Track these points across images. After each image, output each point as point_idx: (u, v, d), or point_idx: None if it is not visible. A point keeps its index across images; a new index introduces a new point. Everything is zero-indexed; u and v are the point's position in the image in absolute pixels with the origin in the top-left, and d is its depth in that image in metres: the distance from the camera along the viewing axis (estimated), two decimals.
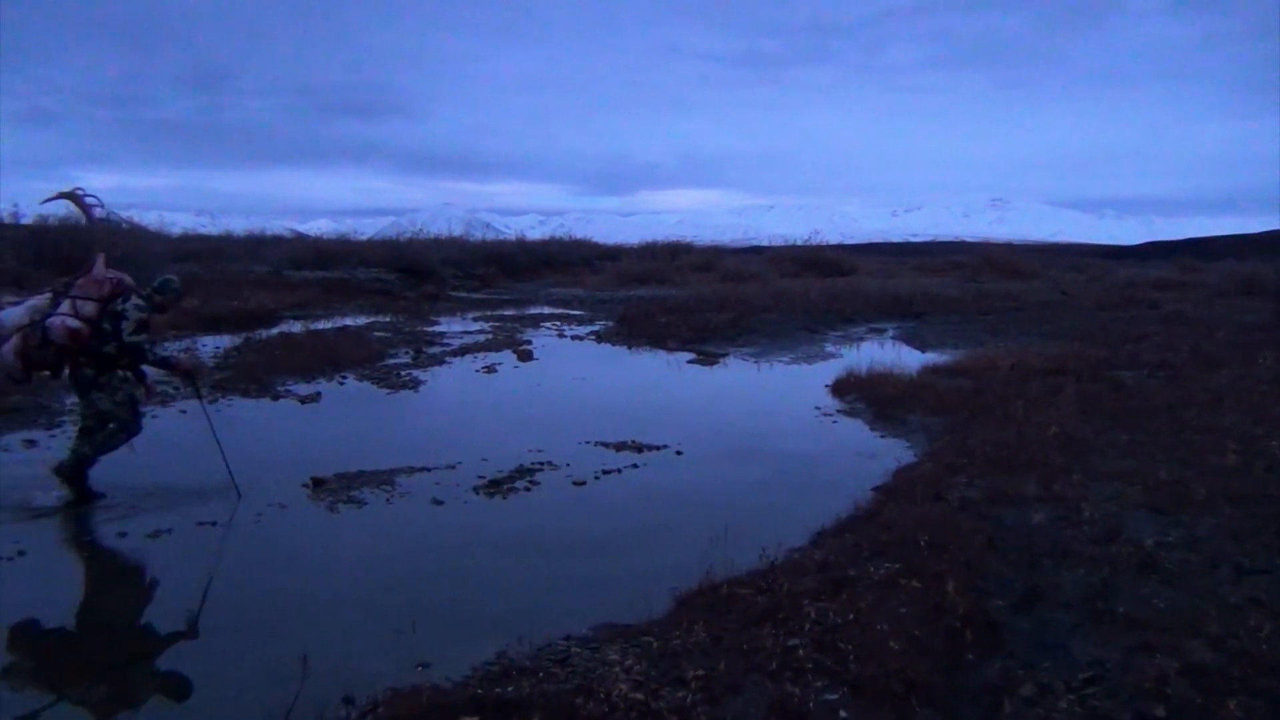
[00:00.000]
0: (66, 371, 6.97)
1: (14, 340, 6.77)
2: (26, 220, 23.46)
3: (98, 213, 6.77)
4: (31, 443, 8.44)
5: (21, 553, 5.70)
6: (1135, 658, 4.03)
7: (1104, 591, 4.74)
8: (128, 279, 7.16)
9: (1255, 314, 18.91)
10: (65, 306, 6.78)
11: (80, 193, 6.55)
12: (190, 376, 7.55)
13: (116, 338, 6.81)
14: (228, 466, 7.15)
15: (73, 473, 6.80)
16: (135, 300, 6.93)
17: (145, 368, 7.20)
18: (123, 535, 6.15)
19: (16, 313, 6.91)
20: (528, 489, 7.48)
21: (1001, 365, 12.24)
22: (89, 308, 6.81)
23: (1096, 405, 9.56)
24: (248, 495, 7.02)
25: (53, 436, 8.69)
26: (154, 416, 9.63)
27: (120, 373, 6.98)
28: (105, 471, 7.00)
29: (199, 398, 7.74)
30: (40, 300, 6.99)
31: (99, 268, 7.05)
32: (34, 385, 7.16)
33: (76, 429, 7.10)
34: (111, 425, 6.91)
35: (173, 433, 8.94)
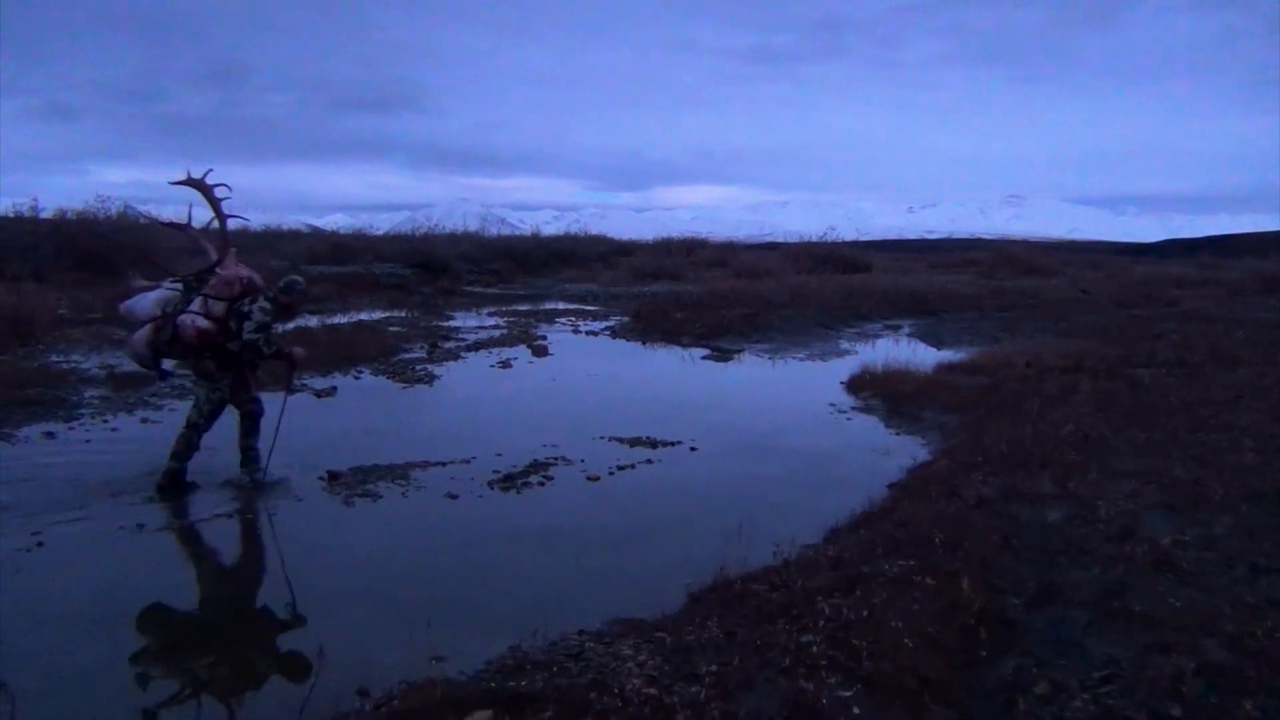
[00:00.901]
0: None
1: (145, 331, 6.97)
2: (46, 214, 23.64)
3: (225, 204, 6.89)
4: (50, 435, 8.49)
5: (40, 544, 5.76)
6: (1151, 656, 4.01)
7: (1120, 590, 4.72)
8: (258, 278, 7.26)
9: (1275, 312, 18.77)
10: (197, 304, 6.93)
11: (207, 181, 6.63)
12: (295, 367, 7.67)
13: (239, 336, 6.96)
14: (269, 455, 7.29)
15: (169, 484, 6.94)
16: (262, 302, 7.03)
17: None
18: (141, 527, 6.19)
19: (148, 302, 7.07)
20: (542, 484, 7.49)
21: (1018, 363, 12.19)
22: (219, 308, 6.95)
23: (1113, 403, 9.51)
24: (263, 489, 7.07)
25: (70, 429, 8.75)
26: (171, 410, 9.71)
27: (230, 377, 7.15)
28: (133, 461, 7.05)
29: (289, 386, 7.80)
30: (170, 293, 7.11)
31: (232, 266, 7.16)
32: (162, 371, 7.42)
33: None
34: (190, 412, 7.14)
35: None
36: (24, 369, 10.95)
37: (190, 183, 7.24)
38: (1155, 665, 3.92)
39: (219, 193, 7.24)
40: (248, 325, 6.94)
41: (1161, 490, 6.41)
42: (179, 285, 7.17)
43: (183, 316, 6.88)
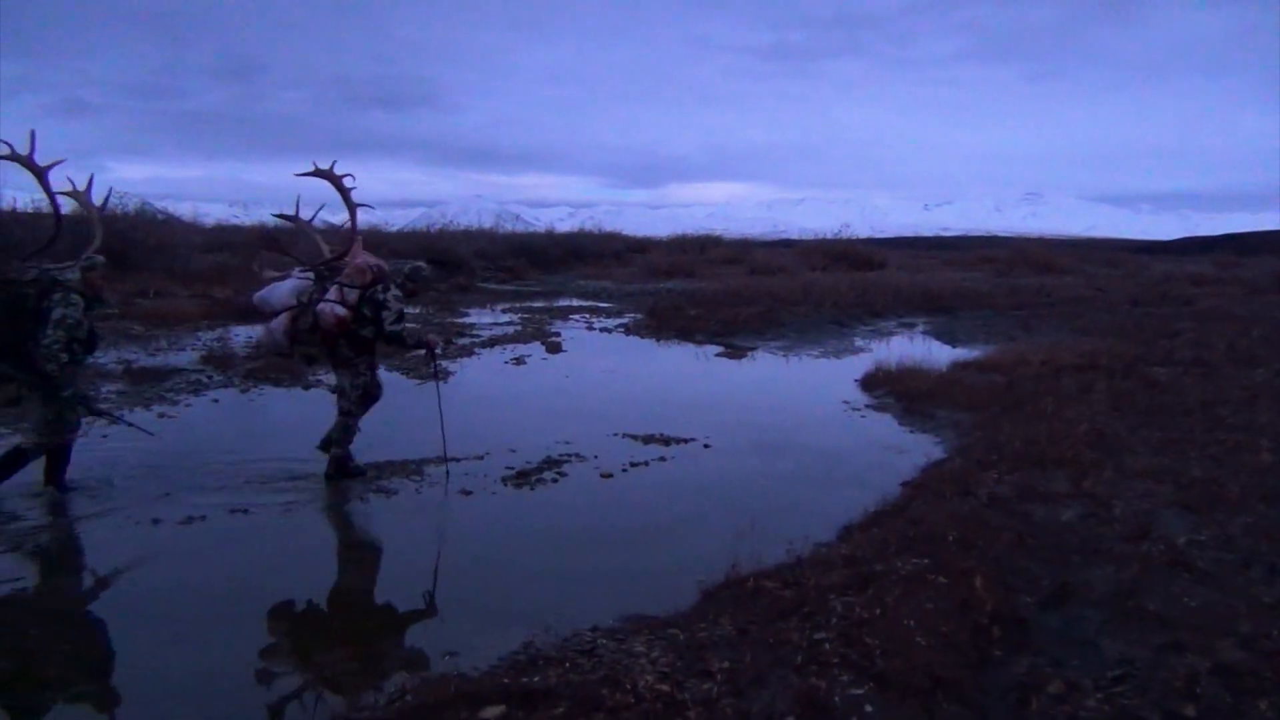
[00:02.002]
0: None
1: (283, 320, 7.22)
2: (62, 210, 23.79)
3: (356, 195, 7.12)
4: None
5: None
6: (1165, 656, 4.00)
7: (1134, 589, 4.70)
8: (385, 266, 7.44)
9: None
10: (333, 293, 7.12)
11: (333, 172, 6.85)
12: (434, 353, 7.87)
13: (376, 325, 7.15)
14: (444, 442, 7.64)
15: (337, 471, 7.23)
16: (395, 291, 7.26)
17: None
18: (154, 522, 6.23)
19: (282, 292, 7.32)
20: (555, 480, 7.51)
21: (1033, 361, 12.13)
22: (353, 295, 7.14)
23: (1129, 402, 9.46)
24: (274, 484, 7.10)
25: (87, 424, 8.79)
26: (187, 405, 9.76)
27: (366, 360, 7.38)
28: (156, 448, 7.07)
29: (435, 375, 8.14)
30: (304, 283, 7.32)
31: (362, 255, 7.32)
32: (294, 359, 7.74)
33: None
34: (340, 402, 7.31)
35: (206, 419, 9.05)
36: None
37: (320, 173, 7.38)
38: (1170, 665, 3.90)
39: (346, 183, 7.40)
40: (387, 316, 7.15)
41: (1177, 490, 6.37)
42: (309, 275, 7.38)
43: (322, 305, 7.07)
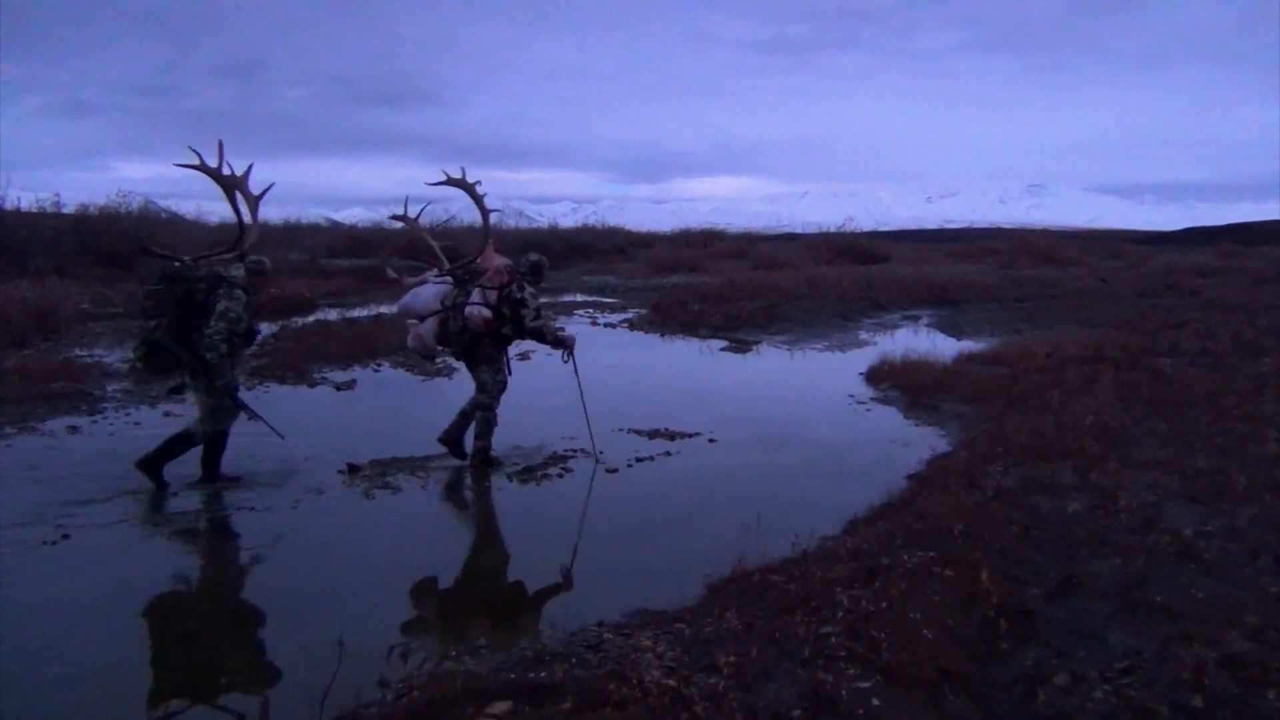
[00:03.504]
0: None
1: (431, 324, 7.66)
2: (68, 210, 23.83)
3: (490, 201, 7.51)
4: (74, 428, 8.57)
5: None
6: (1172, 648, 3.99)
7: (1141, 581, 4.69)
8: (515, 266, 7.76)
9: None
10: (476, 295, 7.48)
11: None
12: (570, 349, 7.99)
13: (516, 322, 7.53)
14: (589, 430, 8.06)
15: (481, 462, 7.58)
16: (530, 288, 7.62)
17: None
18: (163, 519, 6.24)
19: (426, 297, 7.75)
20: (560, 476, 7.52)
21: (1038, 353, 12.11)
22: (493, 295, 7.51)
23: (1135, 393, 9.44)
24: (283, 481, 7.12)
25: (94, 422, 8.83)
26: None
27: (504, 355, 7.82)
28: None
29: (575, 368, 8.10)
30: (444, 287, 7.73)
31: (496, 258, 7.69)
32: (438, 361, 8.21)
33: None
34: (481, 396, 7.65)
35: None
36: (48, 363, 11.06)
37: (453, 182, 7.77)
38: (1177, 656, 3.89)
39: (480, 190, 7.79)
40: (527, 314, 7.52)
41: (1184, 481, 6.37)
42: (446, 279, 7.76)
43: (469, 308, 7.43)
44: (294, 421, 9.03)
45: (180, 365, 6.86)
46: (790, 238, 49.62)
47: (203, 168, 6.91)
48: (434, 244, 8.02)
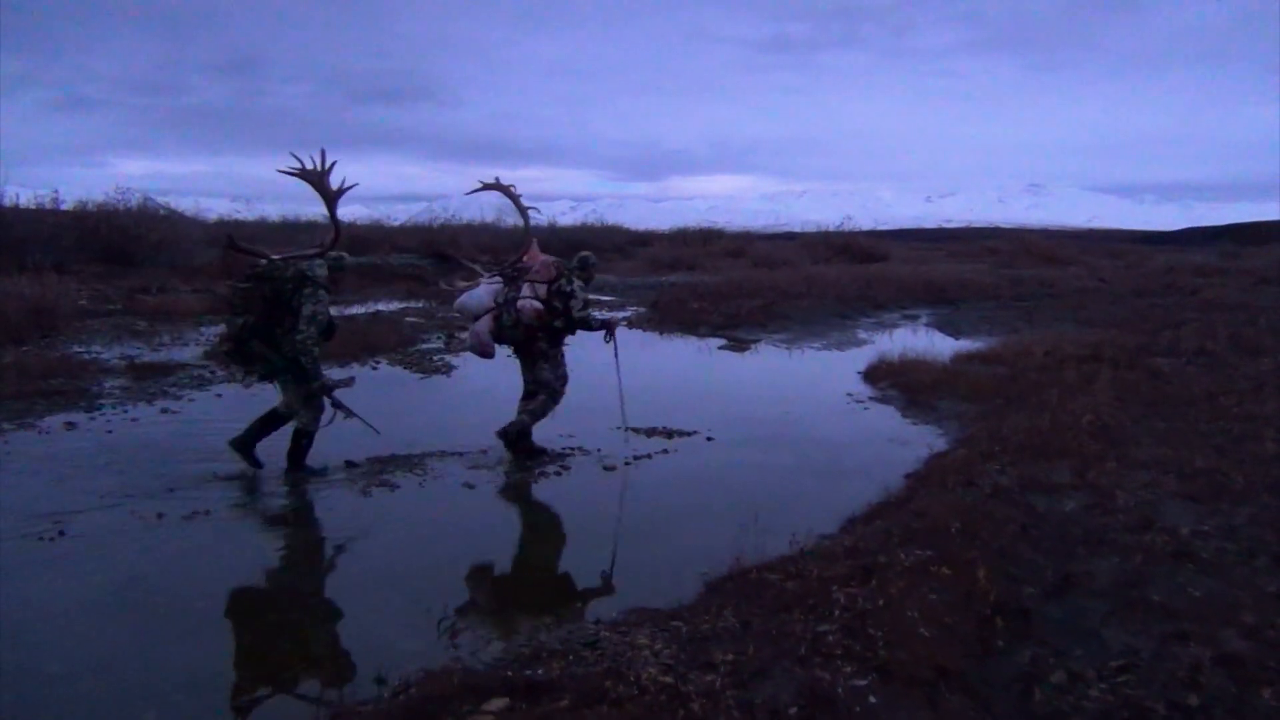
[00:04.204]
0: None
1: (486, 321, 7.82)
2: (67, 206, 23.81)
3: (531, 211, 7.86)
4: (72, 425, 8.56)
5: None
6: (1169, 646, 3.99)
7: (1138, 580, 4.69)
8: (560, 261, 8.03)
9: None
10: (526, 290, 7.71)
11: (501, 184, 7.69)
12: (612, 330, 8.16)
13: (565, 315, 7.74)
14: (623, 413, 8.31)
15: (517, 436, 7.78)
16: (577, 281, 7.84)
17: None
18: (158, 517, 6.23)
19: (479, 297, 7.94)
20: (559, 474, 7.51)
21: (1036, 352, 12.12)
22: (542, 290, 7.72)
23: (1133, 392, 9.45)
24: (281, 479, 7.11)
25: (91, 419, 8.81)
26: (191, 400, 9.78)
27: (559, 351, 8.02)
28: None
29: (615, 352, 8.29)
30: (496, 286, 7.91)
31: (541, 254, 7.97)
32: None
33: (521, 396, 8.06)
34: (542, 395, 7.86)
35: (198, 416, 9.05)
36: (46, 359, 11.05)
37: (492, 186, 8.12)
38: (1173, 655, 3.90)
39: (515, 192, 8.09)
40: (575, 304, 7.73)
41: (1181, 480, 6.37)
42: (497, 278, 7.97)
43: (522, 302, 7.65)
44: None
45: (265, 362, 7.07)
46: (789, 236, 49.63)
47: (301, 173, 7.11)
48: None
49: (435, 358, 12.89)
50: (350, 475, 7.26)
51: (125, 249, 21.73)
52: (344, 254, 7.49)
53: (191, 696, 3.98)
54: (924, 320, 19.13)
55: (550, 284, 7.74)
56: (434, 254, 27.02)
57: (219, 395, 10.13)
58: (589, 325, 7.91)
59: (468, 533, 6.23)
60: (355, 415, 7.44)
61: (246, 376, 7.47)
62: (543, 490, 7.13)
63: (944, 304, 21.32)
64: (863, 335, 16.81)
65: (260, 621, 4.82)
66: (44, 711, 3.85)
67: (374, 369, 12.08)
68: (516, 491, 7.06)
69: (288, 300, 6.97)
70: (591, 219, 47.09)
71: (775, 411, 10.00)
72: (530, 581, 5.41)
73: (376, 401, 10.08)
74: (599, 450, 8.11)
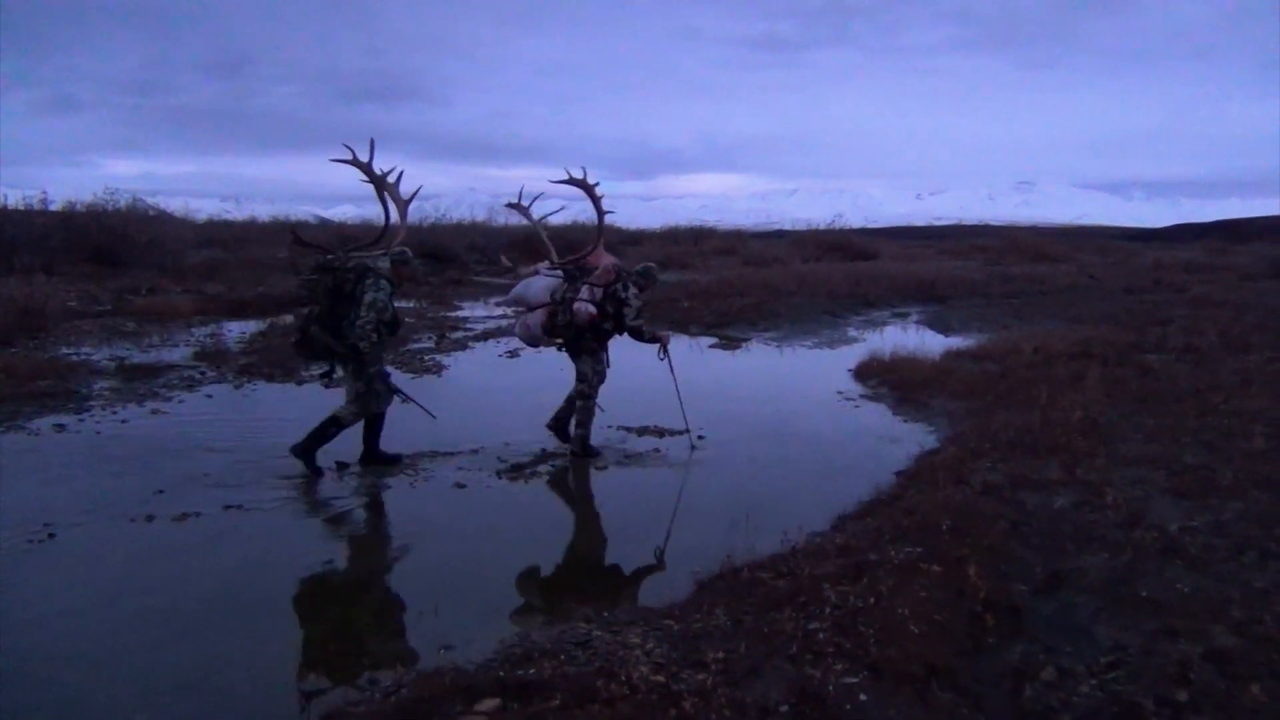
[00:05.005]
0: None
1: (540, 315, 8.03)
2: (55, 207, 23.72)
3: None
4: (61, 427, 8.53)
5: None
6: (1158, 642, 4.01)
7: (1127, 576, 4.71)
8: (622, 265, 8.23)
9: None
10: (584, 292, 7.87)
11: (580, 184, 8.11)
12: (665, 344, 8.39)
13: (617, 319, 7.96)
14: (684, 416, 8.44)
15: (583, 449, 7.94)
16: (634, 289, 8.03)
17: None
18: (148, 519, 6.21)
19: (537, 289, 8.12)
20: (550, 473, 7.51)
21: (1026, 349, 12.16)
22: (599, 293, 7.89)
23: (1122, 389, 9.48)
24: (270, 479, 7.10)
25: (81, 421, 8.78)
26: (181, 401, 9.74)
27: (605, 349, 8.18)
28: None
29: (670, 365, 8.47)
30: (556, 281, 8.09)
31: (603, 255, 8.18)
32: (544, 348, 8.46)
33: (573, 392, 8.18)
34: (581, 385, 8.01)
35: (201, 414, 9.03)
36: (34, 361, 11.01)
37: (575, 182, 8.22)
38: (1162, 651, 3.92)
39: (599, 190, 8.26)
40: (628, 312, 7.94)
41: (1170, 476, 6.40)
42: (557, 273, 8.14)
43: (577, 304, 7.80)
44: (281, 419, 9.03)
45: (331, 354, 7.26)
46: (779, 235, 49.70)
47: (355, 163, 7.31)
48: (544, 234, 8.59)
49: (426, 358, 12.87)
50: (341, 476, 7.25)
51: (114, 250, 21.66)
52: (406, 249, 7.63)
53: (182, 698, 3.97)
54: (914, 318, 19.16)
55: (606, 288, 7.91)
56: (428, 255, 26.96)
57: (209, 396, 10.10)
58: (640, 335, 8.10)
59: (458, 533, 6.22)
60: (414, 401, 7.72)
61: (315, 373, 7.68)
62: (534, 490, 7.12)
63: (934, 301, 21.37)
64: (853, 333, 16.83)
65: (250, 623, 4.80)
66: (34, 713, 3.84)
67: None
68: (507, 492, 7.05)
69: (350, 291, 7.17)
70: (583, 218, 47.06)
71: (766, 409, 10.01)
72: (520, 581, 5.40)
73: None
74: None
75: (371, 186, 7.46)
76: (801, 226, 51.09)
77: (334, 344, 7.17)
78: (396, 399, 7.59)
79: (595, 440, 8.13)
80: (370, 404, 7.41)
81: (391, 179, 7.52)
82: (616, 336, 8.17)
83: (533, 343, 8.27)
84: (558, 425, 8.23)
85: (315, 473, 7.22)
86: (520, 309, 8.31)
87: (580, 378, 8.03)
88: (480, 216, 35.36)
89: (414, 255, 7.89)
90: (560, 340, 8.14)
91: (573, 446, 7.97)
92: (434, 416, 7.77)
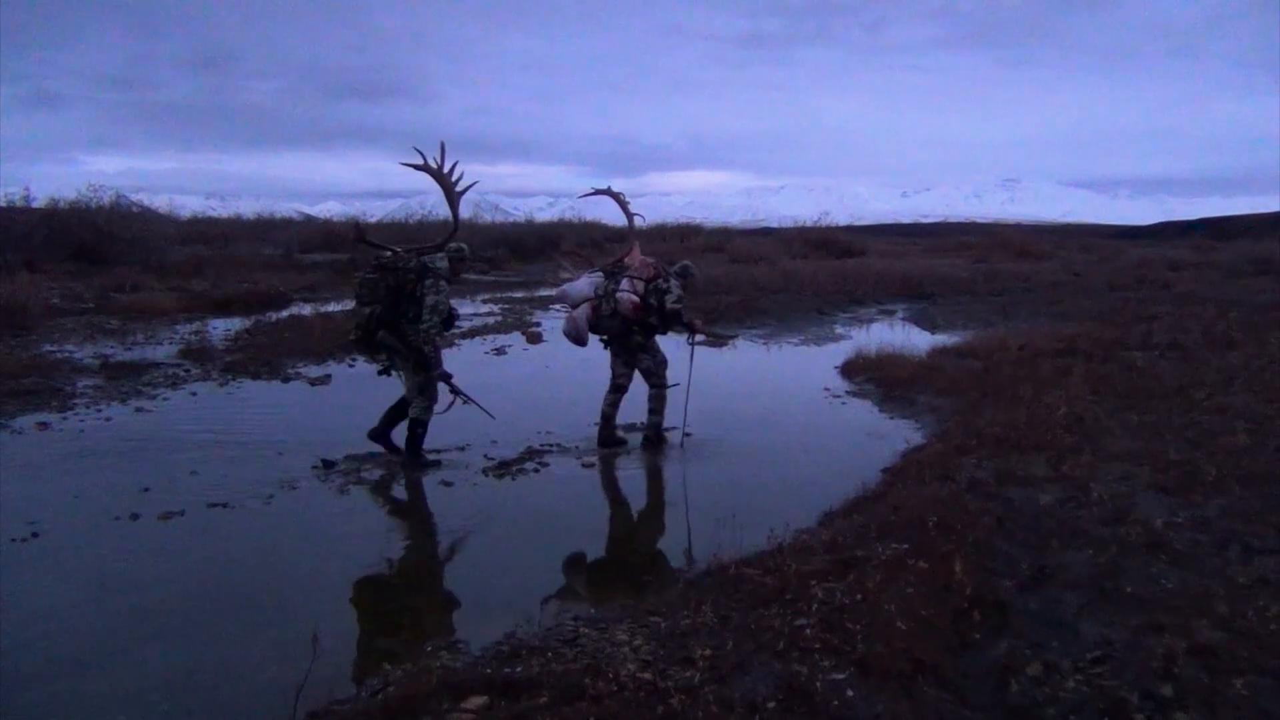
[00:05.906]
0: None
1: (586, 309, 8.27)
2: (38, 204, 23.57)
3: (638, 221, 8.33)
4: (44, 425, 8.48)
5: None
6: (1143, 637, 4.03)
7: (1112, 572, 4.73)
8: (660, 263, 8.52)
9: (1269, 294, 18.79)
10: (626, 285, 8.16)
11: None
12: (697, 330, 8.66)
13: (660, 310, 8.17)
14: (686, 409, 8.40)
15: (657, 436, 8.31)
16: (674, 280, 8.28)
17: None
18: (133, 517, 6.18)
19: (581, 286, 8.38)
20: (537, 471, 7.50)
21: (1011, 346, 12.20)
22: (640, 286, 8.17)
23: (1107, 386, 9.52)
24: (254, 476, 7.06)
25: (65, 419, 8.73)
26: (165, 399, 9.69)
27: (655, 343, 8.41)
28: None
29: (691, 351, 8.79)
30: (597, 278, 8.38)
31: (639, 255, 8.55)
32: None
33: (609, 389, 8.34)
34: (653, 379, 8.30)
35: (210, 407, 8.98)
36: (17, 359, 10.95)
37: (606, 192, 8.96)
38: (1148, 646, 3.93)
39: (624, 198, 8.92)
40: (669, 298, 8.14)
41: (1155, 472, 6.42)
42: (598, 273, 8.44)
43: (621, 294, 8.11)
44: (267, 416, 9.00)
45: (390, 350, 7.45)
46: (766, 232, 49.75)
47: (425, 168, 7.46)
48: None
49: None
50: (327, 473, 7.22)
51: (98, 247, 21.54)
52: (464, 245, 7.78)
53: (166, 696, 3.95)
54: (900, 315, 19.23)
55: (649, 281, 8.18)
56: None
57: (193, 394, 10.06)
58: (679, 318, 8.26)
59: (445, 530, 6.21)
60: (473, 401, 7.76)
61: (374, 365, 7.79)
62: (520, 487, 7.10)
63: (920, 299, 21.44)
64: (840, 330, 16.88)
65: (235, 620, 4.78)
66: (18, 713, 3.81)
67: (351, 366, 12.01)
68: (494, 489, 7.04)
69: (410, 291, 7.31)
70: (569, 215, 47.02)
71: (753, 406, 10.02)
72: (508, 578, 5.39)
73: (354, 399, 10.04)
74: (577, 446, 8.10)
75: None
76: (788, 224, 51.21)
77: (399, 346, 7.36)
78: (458, 401, 7.67)
79: (582, 436, 8.13)
80: (432, 391, 7.58)
81: (453, 179, 7.61)
82: (661, 334, 8.42)
83: (579, 339, 8.37)
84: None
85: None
86: (566, 307, 8.53)
87: (646, 375, 8.30)
88: (467, 213, 35.29)
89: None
90: (605, 338, 8.35)
91: (646, 431, 8.29)
92: (493, 417, 7.86)
